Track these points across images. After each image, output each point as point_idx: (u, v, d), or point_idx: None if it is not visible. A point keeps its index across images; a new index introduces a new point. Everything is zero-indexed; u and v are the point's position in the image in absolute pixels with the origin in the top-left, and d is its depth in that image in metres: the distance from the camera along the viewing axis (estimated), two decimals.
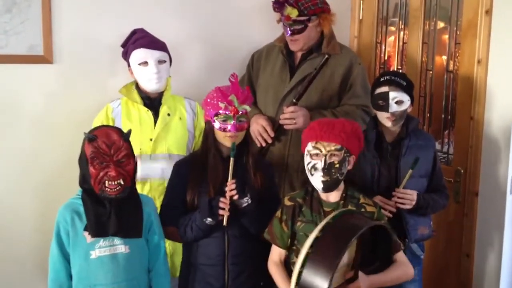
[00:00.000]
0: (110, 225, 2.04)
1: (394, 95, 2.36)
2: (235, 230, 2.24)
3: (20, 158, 2.83)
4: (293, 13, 2.74)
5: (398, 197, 2.33)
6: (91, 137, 2.02)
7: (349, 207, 2.10)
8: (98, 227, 2.04)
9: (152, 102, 2.68)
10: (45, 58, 2.80)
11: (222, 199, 2.11)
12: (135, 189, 2.16)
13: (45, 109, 2.84)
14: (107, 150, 2.01)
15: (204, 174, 2.25)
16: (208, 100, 2.23)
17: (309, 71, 2.78)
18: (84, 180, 2.08)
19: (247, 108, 2.21)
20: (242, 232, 2.25)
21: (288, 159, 2.80)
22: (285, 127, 2.73)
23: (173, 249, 2.65)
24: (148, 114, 2.66)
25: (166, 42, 2.71)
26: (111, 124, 2.64)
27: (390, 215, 2.31)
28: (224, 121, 2.19)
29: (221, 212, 2.12)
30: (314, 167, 2.06)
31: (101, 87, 2.90)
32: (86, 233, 2.06)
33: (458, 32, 2.87)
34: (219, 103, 2.18)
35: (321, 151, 2.05)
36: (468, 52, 2.75)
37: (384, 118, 2.40)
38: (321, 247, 1.87)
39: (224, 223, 2.13)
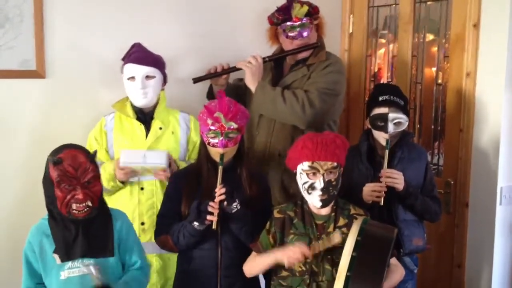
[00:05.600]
0: (77, 247, 2.00)
1: (394, 116, 2.38)
2: (228, 242, 2.26)
3: (12, 173, 2.82)
4: (303, 9, 2.73)
5: (386, 177, 2.34)
6: (56, 160, 1.95)
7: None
8: (66, 250, 2.00)
9: (145, 116, 2.69)
10: (38, 73, 2.80)
11: (210, 203, 2.12)
12: (105, 207, 2.12)
13: (37, 123, 2.83)
14: (74, 173, 1.96)
15: (198, 186, 2.27)
16: (200, 115, 2.25)
17: (291, 80, 2.80)
18: (50, 202, 2.02)
19: (235, 125, 2.21)
20: (235, 244, 2.27)
21: (270, 148, 2.82)
22: (237, 65, 2.82)
23: (164, 263, 2.65)
24: (140, 128, 2.66)
25: (160, 55, 2.71)
26: (104, 137, 2.66)
27: (381, 202, 2.32)
28: (213, 137, 2.21)
29: (209, 217, 2.12)
30: (312, 187, 2.06)
31: (93, 102, 2.90)
32: (55, 255, 2.02)
33: (447, 45, 2.91)
34: (208, 119, 2.21)
35: (319, 171, 2.05)
36: (456, 65, 2.79)
37: (381, 137, 2.43)
38: (362, 265, 1.84)
39: (213, 226, 2.13)
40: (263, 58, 2.82)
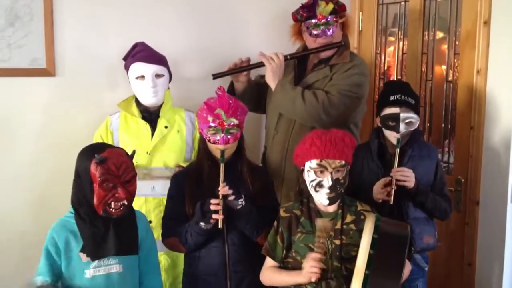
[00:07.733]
0: (109, 246, 2.01)
1: (405, 116, 2.36)
2: (234, 237, 2.27)
3: (21, 170, 2.84)
4: (329, 7, 2.68)
5: (397, 175, 2.32)
6: (102, 159, 1.96)
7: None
8: (96, 250, 2.01)
9: (151, 115, 2.69)
10: (48, 71, 2.82)
11: (213, 201, 2.12)
12: (132, 206, 2.13)
13: (47, 121, 2.86)
14: (116, 171, 1.97)
15: (200, 185, 2.27)
16: (199, 113, 2.25)
17: (313, 81, 2.76)
18: (80, 201, 2.03)
19: (235, 121, 2.21)
20: (242, 239, 2.27)
21: (288, 149, 2.76)
22: (259, 57, 2.76)
23: (172, 261, 2.67)
24: (146, 127, 2.67)
25: (166, 54, 2.73)
26: (109, 136, 2.67)
27: (391, 201, 2.31)
28: (213, 134, 2.21)
29: (214, 216, 2.12)
30: (319, 184, 2.06)
31: (102, 100, 2.91)
32: (82, 254, 2.02)
33: (457, 43, 2.89)
34: (208, 116, 2.20)
35: (327, 169, 2.05)
36: (467, 62, 2.77)
37: (392, 136, 2.41)
38: (380, 263, 1.84)
39: (219, 225, 2.13)
40: (285, 56, 2.77)
